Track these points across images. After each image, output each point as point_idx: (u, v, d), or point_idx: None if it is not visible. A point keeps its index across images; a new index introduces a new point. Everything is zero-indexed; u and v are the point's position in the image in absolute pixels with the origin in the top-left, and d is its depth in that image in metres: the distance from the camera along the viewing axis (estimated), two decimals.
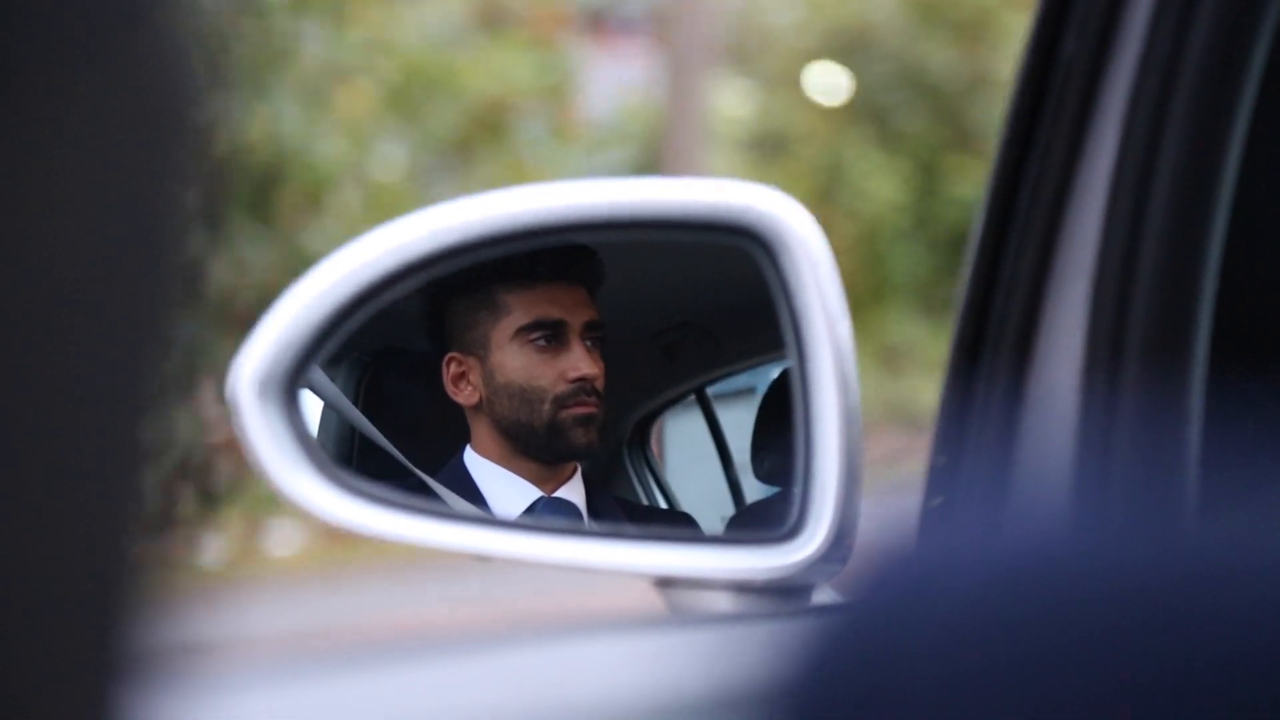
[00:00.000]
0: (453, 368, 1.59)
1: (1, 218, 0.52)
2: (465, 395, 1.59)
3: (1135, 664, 0.63)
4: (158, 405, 0.56)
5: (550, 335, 1.58)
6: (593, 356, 1.58)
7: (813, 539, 1.49)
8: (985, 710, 0.64)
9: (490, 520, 1.58)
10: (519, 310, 1.59)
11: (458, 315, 1.60)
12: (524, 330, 1.58)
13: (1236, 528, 0.70)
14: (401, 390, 1.63)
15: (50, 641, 0.54)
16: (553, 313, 1.58)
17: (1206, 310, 1.31)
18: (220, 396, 1.48)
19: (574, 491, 1.60)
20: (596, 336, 1.59)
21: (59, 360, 0.53)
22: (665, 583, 1.55)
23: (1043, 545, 0.69)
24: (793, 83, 14.96)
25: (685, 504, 1.66)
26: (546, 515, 1.59)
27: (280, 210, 11.43)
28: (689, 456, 1.67)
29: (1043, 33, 1.36)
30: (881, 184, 14.56)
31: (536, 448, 1.58)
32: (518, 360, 1.58)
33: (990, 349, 1.38)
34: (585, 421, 1.58)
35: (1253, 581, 0.65)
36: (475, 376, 1.59)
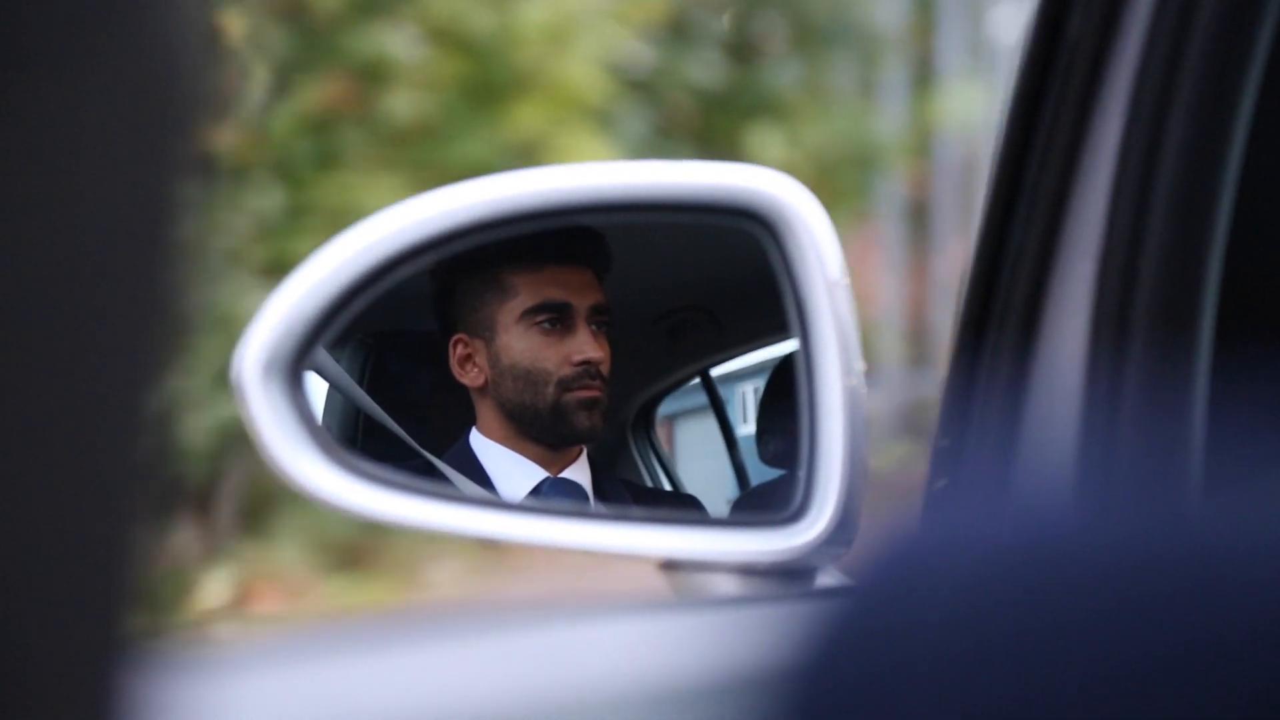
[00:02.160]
0: (459, 349, 1.59)
1: (2, 209, 0.52)
2: (471, 377, 1.59)
3: (1139, 643, 0.63)
4: (158, 393, 0.56)
5: (556, 318, 1.58)
6: (599, 340, 1.58)
7: (818, 521, 1.49)
8: (990, 690, 0.64)
9: (496, 503, 1.58)
10: (525, 292, 1.58)
11: (465, 297, 1.60)
12: (530, 312, 1.58)
13: (1241, 507, 0.70)
14: (407, 372, 1.63)
15: (53, 628, 0.54)
16: (559, 295, 1.58)
17: (1212, 289, 1.31)
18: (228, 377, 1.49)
19: (580, 473, 1.60)
20: (603, 320, 1.59)
21: (61, 348, 0.53)
22: (670, 565, 1.55)
23: (1047, 526, 0.68)
24: None
25: (690, 486, 1.66)
26: (552, 496, 1.59)
27: None
28: (694, 439, 1.67)
29: (1048, 10, 1.35)
30: None
31: (540, 430, 1.58)
32: (523, 342, 1.58)
33: (995, 329, 1.38)
34: (589, 405, 1.58)
35: (1257, 561, 0.65)
36: (481, 358, 1.59)
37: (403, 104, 7.29)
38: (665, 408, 1.67)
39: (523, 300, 1.58)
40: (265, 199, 7.02)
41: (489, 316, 1.59)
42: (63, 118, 0.52)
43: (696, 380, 1.68)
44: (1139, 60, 1.31)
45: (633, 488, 1.63)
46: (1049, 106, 1.36)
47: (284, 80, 7.21)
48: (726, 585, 1.54)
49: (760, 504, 1.60)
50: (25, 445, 0.53)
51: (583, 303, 1.58)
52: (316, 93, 7.28)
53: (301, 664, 1.27)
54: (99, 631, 0.55)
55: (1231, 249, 1.32)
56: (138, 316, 0.55)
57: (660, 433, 1.66)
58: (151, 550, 0.56)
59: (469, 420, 1.60)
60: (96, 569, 0.55)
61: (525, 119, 7.39)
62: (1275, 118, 1.34)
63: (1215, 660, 0.63)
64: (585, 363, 1.57)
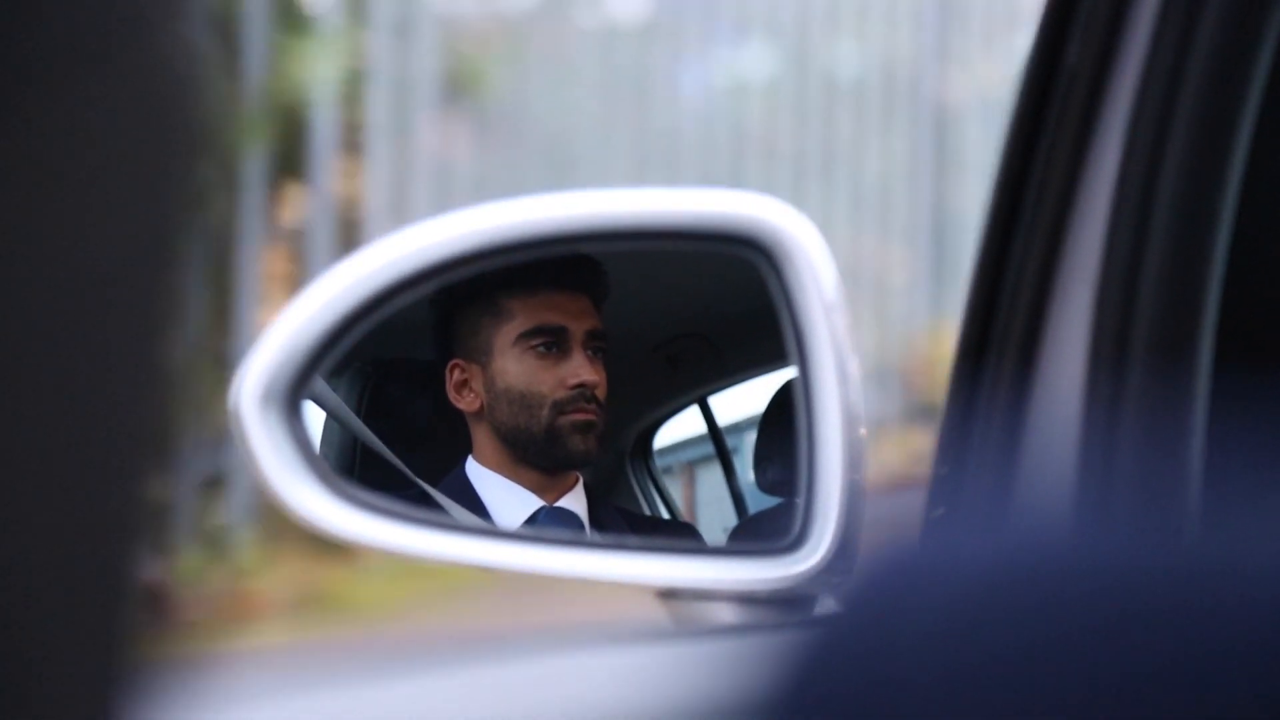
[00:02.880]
0: (456, 374, 1.60)
1: (7, 219, 0.52)
2: (467, 402, 1.60)
3: (1137, 670, 0.63)
4: (161, 404, 0.56)
5: (551, 342, 1.58)
6: (594, 365, 1.58)
7: (816, 549, 1.49)
8: (987, 715, 0.64)
9: (492, 531, 1.58)
10: (521, 316, 1.59)
11: (463, 323, 1.60)
12: (525, 336, 1.58)
13: (1238, 533, 0.69)
14: (404, 401, 1.63)
15: (56, 648, 0.54)
16: (554, 319, 1.58)
17: (1211, 317, 1.31)
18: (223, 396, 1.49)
19: (576, 501, 1.60)
20: (599, 346, 1.59)
21: (63, 358, 0.53)
22: (668, 594, 1.55)
23: (1045, 551, 0.68)
24: None
25: (688, 515, 1.65)
26: (548, 525, 1.59)
27: None
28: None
29: (1047, 39, 1.36)
30: None
31: (535, 454, 1.58)
32: (518, 366, 1.58)
33: (994, 357, 1.38)
34: (584, 428, 1.58)
35: (1254, 586, 0.65)
36: (477, 383, 1.59)
37: None
38: (668, 454, 1.67)
39: (518, 324, 1.59)
40: None
41: (485, 341, 1.59)
42: (70, 131, 0.52)
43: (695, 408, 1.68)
44: (1137, 87, 1.32)
45: (629, 516, 1.63)
46: (1047, 134, 1.36)
47: None
48: (725, 614, 1.53)
49: (759, 532, 1.59)
50: (28, 456, 0.53)
51: (579, 327, 1.58)
52: None
53: (299, 691, 1.27)
54: (101, 653, 0.55)
55: (1230, 275, 1.32)
56: (141, 327, 0.55)
57: (682, 479, 1.66)
58: (150, 567, 0.56)
59: (465, 449, 1.60)
60: (99, 585, 0.55)
61: None
62: (1273, 144, 1.34)
63: (1211, 685, 0.63)
64: (580, 386, 1.57)
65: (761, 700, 0.67)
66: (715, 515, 1.65)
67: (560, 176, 7.23)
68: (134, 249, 0.54)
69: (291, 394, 1.51)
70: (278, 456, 1.50)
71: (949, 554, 0.69)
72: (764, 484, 1.62)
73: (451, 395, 1.60)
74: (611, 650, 1.48)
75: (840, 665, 0.66)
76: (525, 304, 1.59)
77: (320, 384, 1.53)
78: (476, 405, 1.59)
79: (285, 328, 1.51)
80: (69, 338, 0.53)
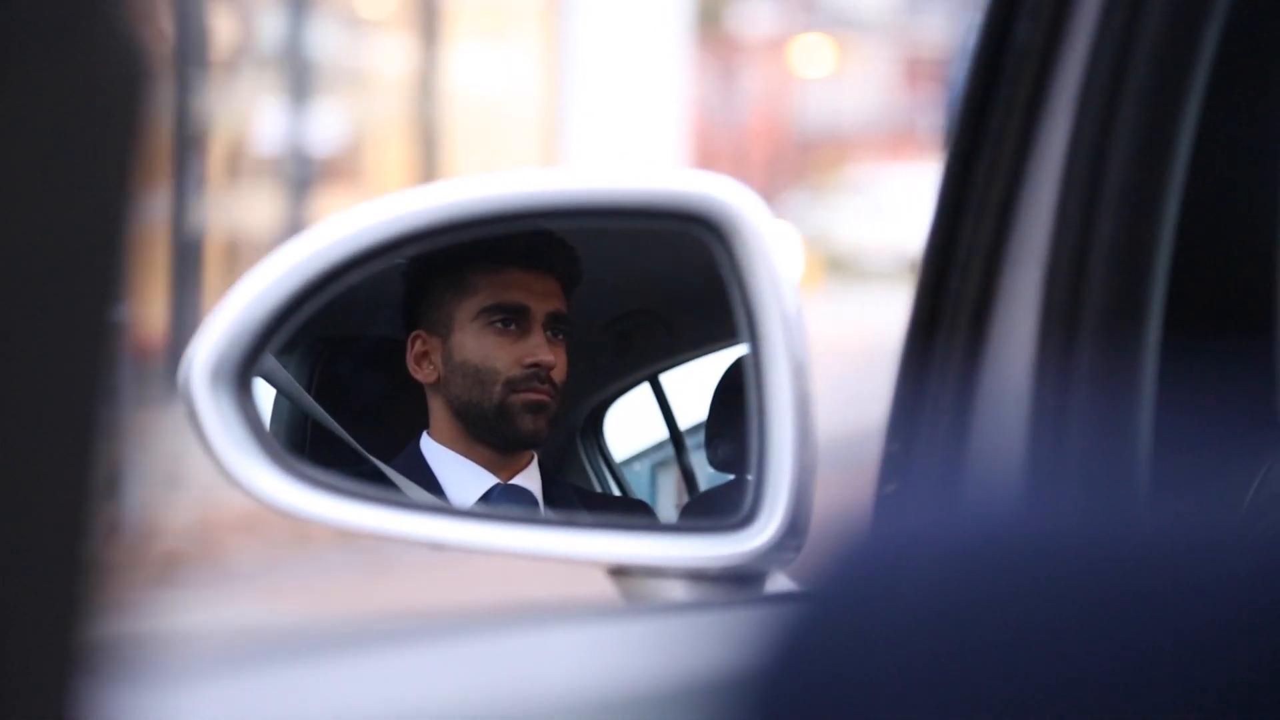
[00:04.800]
0: (417, 345, 1.60)
1: None
2: (425, 373, 1.60)
3: (1089, 642, 0.64)
4: (108, 389, 0.56)
5: (510, 319, 1.58)
6: (553, 347, 1.58)
7: (767, 526, 1.49)
8: (945, 692, 0.64)
9: (445, 509, 1.58)
10: (484, 292, 1.59)
11: (429, 295, 1.60)
12: (486, 311, 1.58)
13: (1189, 507, 0.70)
14: (356, 377, 1.63)
15: (14, 633, 0.53)
16: (517, 297, 1.58)
17: (1159, 292, 1.32)
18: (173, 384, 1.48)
19: (530, 480, 1.60)
20: (561, 329, 1.59)
21: (10, 346, 0.53)
22: (619, 571, 1.55)
23: (998, 528, 0.69)
24: None
25: (639, 492, 1.66)
26: (502, 503, 1.59)
27: None
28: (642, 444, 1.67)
29: (996, 15, 1.36)
30: None
31: (486, 431, 1.58)
32: (476, 341, 1.58)
33: (944, 333, 1.38)
34: (534, 409, 1.58)
35: (1204, 559, 0.65)
36: (436, 355, 1.59)
37: None
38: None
39: (480, 299, 1.59)
40: None
41: (448, 314, 1.59)
42: (21, 112, 0.52)
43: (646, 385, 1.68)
44: (1086, 65, 1.32)
45: (582, 493, 1.63)
46: (997, 111, 1.36)
47: None
48: (676, 591, 1.54)
49: (710, 509, 1.60)
50: None
51: (541, 308, 1.58)
52: None
53: (254, 671, 1.27)
54: (59, 638, 0.55)
55: (1179, 251, 1.33)
56: (93, 315, 0.55)
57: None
58: (110, 549, 0.56)
59: (418, 426, 1.60)
60: (56, 570, 0.55)
61: None
62: (1221, 121, 1.35)
63: (1164, 657, 0.63)
64: (535, 365, 1.57)
65: (728, 686, 0.68)
66: (666, 491, 1.65)
67: None
68: (85, 228, 0.54)
69: (242, 371, 1.50)
70: (228, 434, 1.50)
71: (905, 536, 0.70)
72: (715, 461, 1.62)
73: (411, 366, 1.60)
74: (561, 627, 1.48)
75: (805, 651, 0.67)
76: (490, 280, 1.59)
77: (271, 361, 1.53)
78: (434, 377, 1.59)
79: (236, 304, 1.51)
80: (21, 314, 0.53)
